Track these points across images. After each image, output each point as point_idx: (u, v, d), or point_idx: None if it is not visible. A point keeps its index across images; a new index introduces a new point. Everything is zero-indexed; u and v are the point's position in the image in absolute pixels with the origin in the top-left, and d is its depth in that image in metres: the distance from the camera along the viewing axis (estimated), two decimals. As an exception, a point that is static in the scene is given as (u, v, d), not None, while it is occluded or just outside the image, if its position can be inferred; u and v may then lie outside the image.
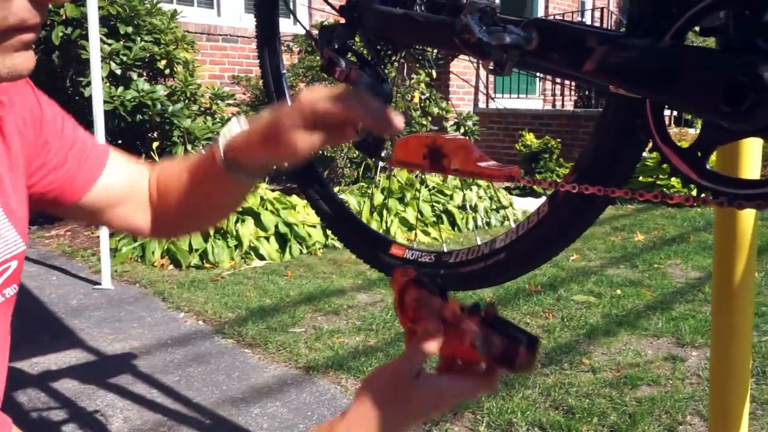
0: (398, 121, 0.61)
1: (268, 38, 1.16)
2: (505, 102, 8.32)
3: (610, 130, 0.67)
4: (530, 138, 6.85)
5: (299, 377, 2.38)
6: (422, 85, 6.30)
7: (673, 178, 5.19)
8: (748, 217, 0.94)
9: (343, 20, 0.89)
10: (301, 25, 1.14)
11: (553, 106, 8.74)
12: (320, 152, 5.67)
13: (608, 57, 0.59)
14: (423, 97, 6.44)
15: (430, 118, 6.52)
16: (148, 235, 0.83)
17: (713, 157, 0.70)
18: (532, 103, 8.79)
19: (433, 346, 0.63)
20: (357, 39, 0.92)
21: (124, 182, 0.78)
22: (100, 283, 3.44)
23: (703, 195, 0.58)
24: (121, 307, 3.15)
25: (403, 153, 0.85)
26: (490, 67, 0.60)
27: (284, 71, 1.19)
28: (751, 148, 0.79)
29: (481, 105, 8.04)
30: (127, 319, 3.00)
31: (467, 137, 0.76)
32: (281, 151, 0.64)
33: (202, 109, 5.27)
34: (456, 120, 6.98)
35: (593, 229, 4.74)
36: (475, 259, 0.81)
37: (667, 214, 5.21)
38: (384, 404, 0.61)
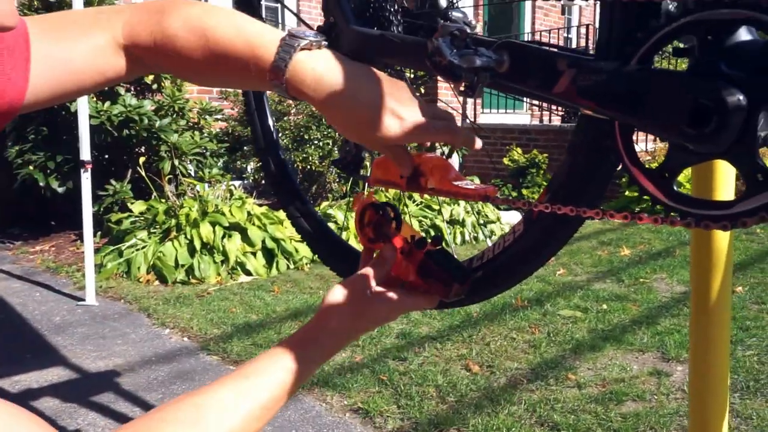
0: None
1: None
2: (493, 117, 8.39)
3: (582, 151, 0.68)
4: (518, 153, 6.90)
5: (284, 394, 2.36)
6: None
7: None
8: (723, 234, 0.95)
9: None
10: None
11: (541, 121, 8.81)
12: (308, 167, 5.68)
13: (577, 80, 0.60)
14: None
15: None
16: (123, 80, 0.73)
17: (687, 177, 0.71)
18: (520, 118, 8.86)
19: (385, 270, 0.74)
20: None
21: (66, 72, 0.66)
22: (84, 299, 3.41)
23: (671, 216, 0.59)
24: (105, 324, 3.12)
25: (381, 172, 0.85)
26: (461, 89, 0.61)
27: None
28: (723, 169, 0.80)
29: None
30: (110, 335, 2.97)
31: (443, 156, 0.76)
32: (350, 134, 0.65)
33: (190, 123, 5.27)
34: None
35: (580, 244, 4.76)
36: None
37: (653, 229, 5.24)
38: (343, 315, 0.69)
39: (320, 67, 0.61)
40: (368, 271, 0.73)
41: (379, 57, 0.80)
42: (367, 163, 1.00)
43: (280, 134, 5.62)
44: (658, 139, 7.35)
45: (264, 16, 1.17)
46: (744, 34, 0.55)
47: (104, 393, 2.36)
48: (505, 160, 6.93)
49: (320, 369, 2.55)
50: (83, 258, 3.56)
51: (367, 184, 0.89)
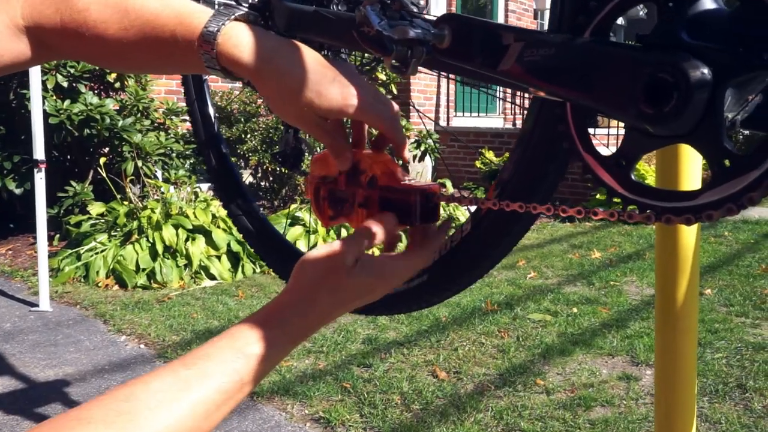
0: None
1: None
2: (466, 120, 8.37)
3: (532, 139, 0.61)
4: (490, 156, 6.88)
5: (242, 403, 2.26)
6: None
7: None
8: (689, 234, 0.89)
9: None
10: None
11: (514, 124, 8.82)
12: (278, 169, 5.57)
13: (524, 55, 0.53)
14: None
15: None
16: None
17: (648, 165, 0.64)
18: (493, 121, 8.85)
19: (375, 240, 0.62)
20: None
21: None
22: (37, 305, 3.27)
23: (629, 209, 0.52)
24: (59, 331, 2.98)
25: (320, 168, 0.78)
26: (393, 65, 0.53)
27: (206, 76, 1.11)
28: (689, 154, 0.74)
29: (442, 123, 8.07)
30: (63, 343, 2.83)
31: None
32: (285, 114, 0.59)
33: (156, 124, 5.12)
34: (417, 138, 6.97)
35: (551, 247, 4.74)
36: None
37: (624, 232, 5.25)
38: (318, 289, 0.57)
39: (255, 35, 0.55)
40: (349, 240, 0.60)
41: (314, 35, 0.73)
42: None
43: (249, 135, 5.50)
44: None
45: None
46: (709, 1, 0.48)
47: (51, 404, 2.23)
48: (478, 163, 6.91)
49: (281, 377, 2.46)
50: (38, 262, 3.41)
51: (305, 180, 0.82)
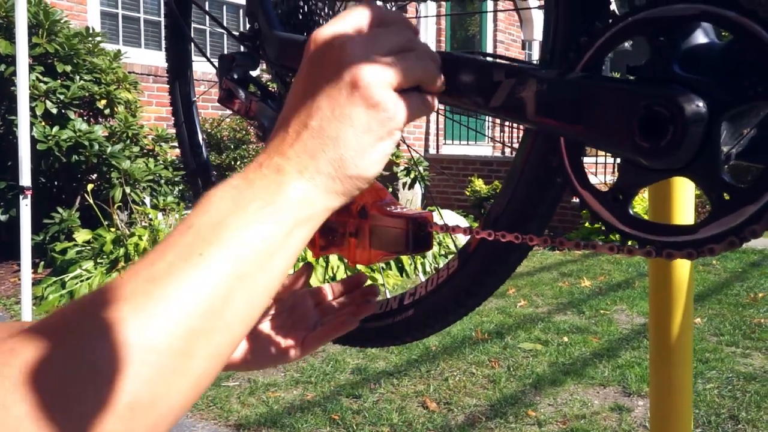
0: None
1: (177, 66, 1.07)
2: (455, 148, 8.42)
3: (525, 172, 0.60)
4: (479, 184, 6.91)
5: (229, 436, 2.21)
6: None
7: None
8: (683, 267, 0.88)
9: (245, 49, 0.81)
10: (204, 56, 1.05)
11: (503, 153, 8.88)
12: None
13: (515, 91, 0.52)
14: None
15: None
16: None
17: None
18: (482, 149, 8.92)
19: None
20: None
21: None
22: (20, 334, 3.19)
23: (628, 244, 0.51)
24: (41, 361, 2.92)
25: None
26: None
27: (195, 99, 1.10)
28: (682, 188, 0.74)
29: (432, 150, 8.11)
30: (45, 373, 2.77)
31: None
32: None
33: (145, 150, 5.11)
34: (406, 165, 6.99)
35: (541, 275, 4.73)
36: (383, 315, 0.72)
37: (614, 260, 5.25)
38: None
39: None
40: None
41: (305, 66, 0.72)
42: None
43: (239, 162, 5.50)
44: (616, 171, 7.48)
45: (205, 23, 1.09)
46: (701, 36, 0.48)
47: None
48: (467, 191, 6.93)
49: (269, 408, 2.42)
50: (22, 290, 3.34)
51: None
